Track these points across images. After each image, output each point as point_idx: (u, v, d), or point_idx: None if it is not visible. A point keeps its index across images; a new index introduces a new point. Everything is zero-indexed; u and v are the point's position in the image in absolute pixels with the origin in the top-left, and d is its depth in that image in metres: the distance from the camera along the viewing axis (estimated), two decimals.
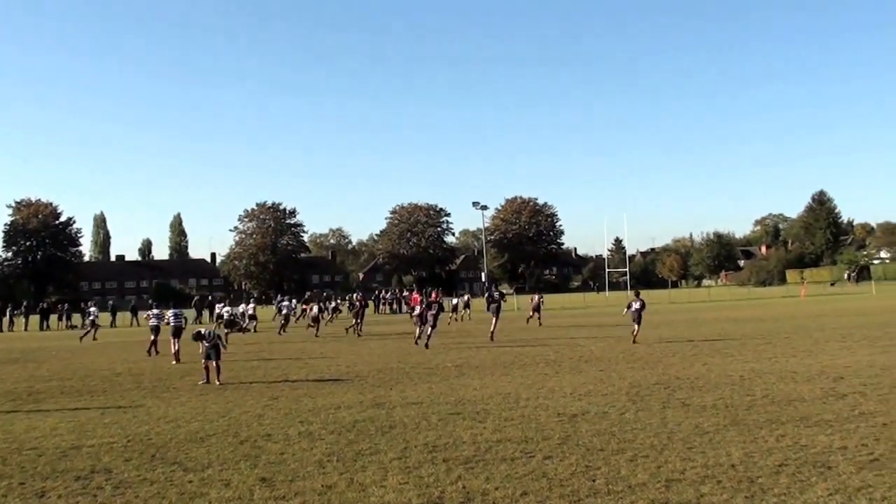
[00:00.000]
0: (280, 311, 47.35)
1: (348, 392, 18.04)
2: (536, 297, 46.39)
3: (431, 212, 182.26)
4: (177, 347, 27.45)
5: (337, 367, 24.11)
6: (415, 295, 42.16)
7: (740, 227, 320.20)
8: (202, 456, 11.55)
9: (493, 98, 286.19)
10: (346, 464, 10.70)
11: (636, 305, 29.11)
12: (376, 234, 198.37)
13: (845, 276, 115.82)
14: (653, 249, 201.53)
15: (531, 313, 44.60)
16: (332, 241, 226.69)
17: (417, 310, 32.58)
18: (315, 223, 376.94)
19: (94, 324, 44.17)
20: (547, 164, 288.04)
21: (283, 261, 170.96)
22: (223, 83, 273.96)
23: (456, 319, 49.09)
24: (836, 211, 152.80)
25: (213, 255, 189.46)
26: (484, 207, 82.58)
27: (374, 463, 10.70)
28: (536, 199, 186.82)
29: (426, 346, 29.15)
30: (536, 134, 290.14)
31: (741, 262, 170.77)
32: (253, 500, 9.13)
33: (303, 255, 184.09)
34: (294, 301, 57.60)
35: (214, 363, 20.64)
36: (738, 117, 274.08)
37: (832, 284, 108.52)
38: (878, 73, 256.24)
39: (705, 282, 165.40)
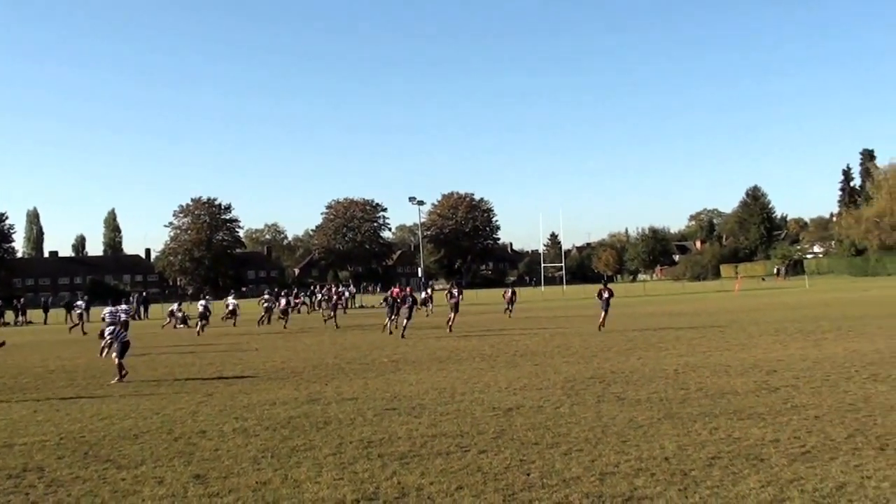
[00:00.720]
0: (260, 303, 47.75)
1: (283, 388, 17.95)
2: (509, 291, 47.86)
3: (368, 207, 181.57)
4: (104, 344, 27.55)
5: (272, 362, 23.97)
6: (395, 289, 43.21)
7: (675, 222, 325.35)
8: (135, 453, 11.41)
9: (429, 94, 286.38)
10: (281, 460, 10.64)
11: (605, 295, 32.09)
12: (312, 230, 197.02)
13: (775, 270, 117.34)
14: (588, 244, 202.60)
15: (507, 307, 45.89)
16: (267, 236, 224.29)
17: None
18: (250, 218, 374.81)
19: (81, 317, 43.92)
20: (483, 160, 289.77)
21: (218, 256, 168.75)
22: (157, 79, 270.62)
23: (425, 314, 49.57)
24: (770, 206, 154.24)
25: (148, 251, 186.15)
26: (420, 203, 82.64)
27: (308, 459, 10.65)
28: (473, 194, 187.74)
29: (402, 336, 31.24)
30: (473, 130, 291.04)
31: (676, 257, 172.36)
32: (187, 498, 9.03)
33: (238, 250, 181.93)
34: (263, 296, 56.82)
35: (117, 360, 20.58)
36: (673, 114, 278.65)
37: (763, 280, 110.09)
38: (810, 72, 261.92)
39: (640, 276, 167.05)
